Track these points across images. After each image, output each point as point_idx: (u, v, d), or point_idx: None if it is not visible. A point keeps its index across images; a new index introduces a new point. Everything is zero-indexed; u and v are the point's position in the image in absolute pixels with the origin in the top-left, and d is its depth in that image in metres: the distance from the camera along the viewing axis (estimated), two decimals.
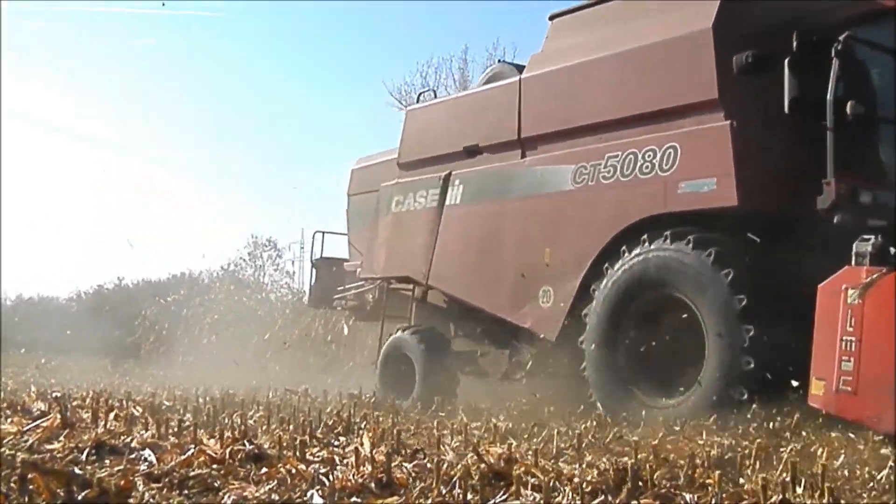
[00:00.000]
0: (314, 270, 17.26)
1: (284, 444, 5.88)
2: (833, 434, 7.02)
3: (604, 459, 5.82)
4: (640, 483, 4.75)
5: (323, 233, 17.48)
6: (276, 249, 47.33)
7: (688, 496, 4.39)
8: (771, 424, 7.48)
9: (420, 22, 63.42)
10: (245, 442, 5.83)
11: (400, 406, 10.21)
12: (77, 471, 4.60)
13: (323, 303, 17.56)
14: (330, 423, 7.87)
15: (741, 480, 5.10)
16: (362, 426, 7.52)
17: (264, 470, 5.15)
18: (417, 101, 13.88)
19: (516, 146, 11.05)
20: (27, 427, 6.83)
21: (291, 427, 7.24)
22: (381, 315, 13.96)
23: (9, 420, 7.84)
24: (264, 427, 7.49)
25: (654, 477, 4.94)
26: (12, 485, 4.52)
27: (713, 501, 4.20)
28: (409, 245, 12.37)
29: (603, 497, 4.33)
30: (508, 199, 10.95)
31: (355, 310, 16.22)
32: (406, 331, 12.10)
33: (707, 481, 4.91)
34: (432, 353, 11.56)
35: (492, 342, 11.99)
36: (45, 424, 7.02)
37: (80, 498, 3.87)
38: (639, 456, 5.65)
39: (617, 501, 4.17)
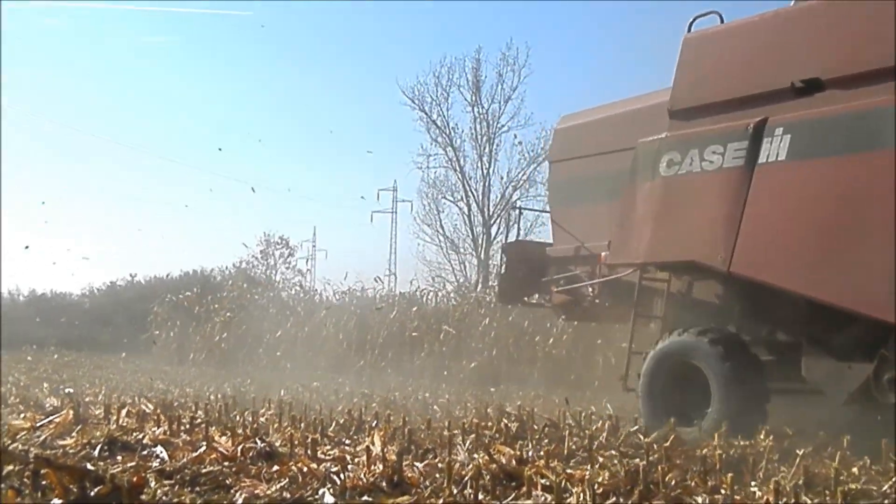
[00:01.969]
0: (503, 257, 13.89)
1: (296, 443, 5.89)
2: (846, 437, 6.99)
3: (615, 461, 5.81)
4: (652, 485, 4.74)
5: (520, 209, 14.42)
6: (289, 247, 47.54)
7: (699, 499, 4.38)
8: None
9: (433, 22, 63.41)
10: (256, 440, 5.84)
11: (684, 433, 7.74)
12: (90, 467, 4.61)
13: (515, 298, 14.25)
14: (341, 421, 7.88)
15: (753, 483, 5.09)
16: (373, 425, 7.52)
17: (276, 468, 5.17)
18: (689, 31, 9.84)
19: (889, 76, 7.98)
20: (40, 423, 6.86)
21: (303, 425, 7.25)
22: (623, 314, 11.08)
23: (21, 415, 7.88)
24: (276, 425, 7.50)
25: (666, 479, 4.94)
26: (25, 480, 4.54)
27: None
28: (693, 220, 9.35)
29: (614, 499, 4.32)
30: (881, 150, 7.88)
31: (565, 307, 12.89)
32: (692, 333, 9.13)
33: (719, 484, 4.92)
34: (737, 362, 8.65)
35: (825, 350, 8.89)
36: (57, 420, 7.04)
37: (92, 494, 3.88)
38: (650, 458, 5.64)
39: (629, 503, 4.15)
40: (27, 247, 58.53)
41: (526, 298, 13.85)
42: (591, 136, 11.86)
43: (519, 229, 14.03)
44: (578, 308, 12.38)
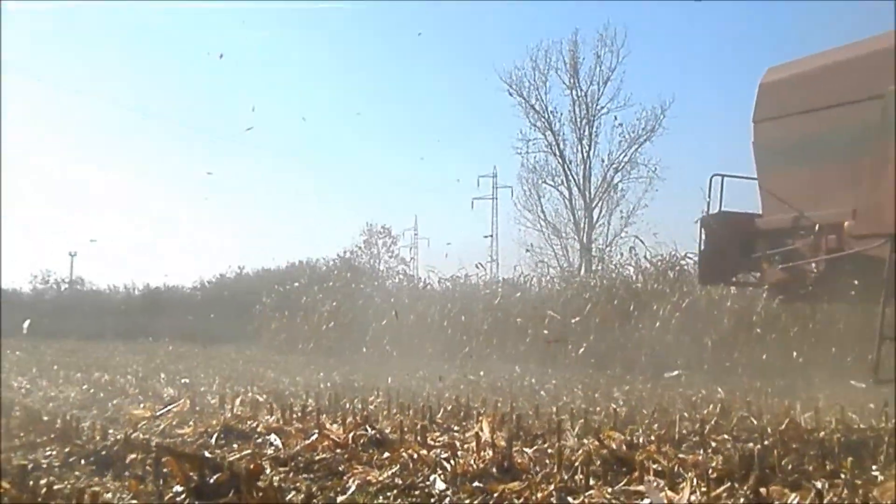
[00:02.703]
0: (702, 231, 11.99)
1: (405, 429, 5.95)
2: None
3: (728, 446, 5.71)
4: (768, 470, 4.64)
5: (723, 176, 12.16)
6: (391, 236, 48.05)
7: (818, 484, 4.26)
8: None
9: (529, 6, 62.94)
10: (367, 427, 5.92)
11: None
12: (207, 454, 4.76)
13: (719, 277, 12.72)
14: (449, 408, 7.92)
15: (874, 468, 4.94)
16: (481, 411, 7.53)
17: (386, 454, 5.24)
18: None
19: None
20: (159, 412, 7.10)
21: (411, 412, 7.32)
22: (858, 293, 9.82)
23: (141, 405, 8.17)
24: (385, 412, 7.59)
25: (783, 463, 4.83)
26: (147, 468, 4.71)
27: (845, 490, 4.06)
28: None
29: (729, 484, 4.23)
30: None
31: (783, 287, 11.29)
32: None
33: (838, 468, 4.78)
34: None
35: None
36: (175, 409, 7.29)
37: (211, 481, 3.99)
38: (765, 442, 5.52)
39: (744, 488, 4.07)
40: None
41: (732, 278, 12.41)
42: (811, 87, 10.34)
43: (722, 198, 11.95)
44: (800, 287, 10.92)
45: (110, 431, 5.97)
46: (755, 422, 7.09)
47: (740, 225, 11.62)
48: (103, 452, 5.11)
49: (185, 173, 67.99)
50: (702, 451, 5.43)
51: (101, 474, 4.76)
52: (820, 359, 13.99)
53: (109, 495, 4.13)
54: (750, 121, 11.28)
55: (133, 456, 4.99)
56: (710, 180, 11.79)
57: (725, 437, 6.24)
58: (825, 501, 3.51)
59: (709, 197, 11.72)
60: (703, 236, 11.87)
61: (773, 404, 9.14)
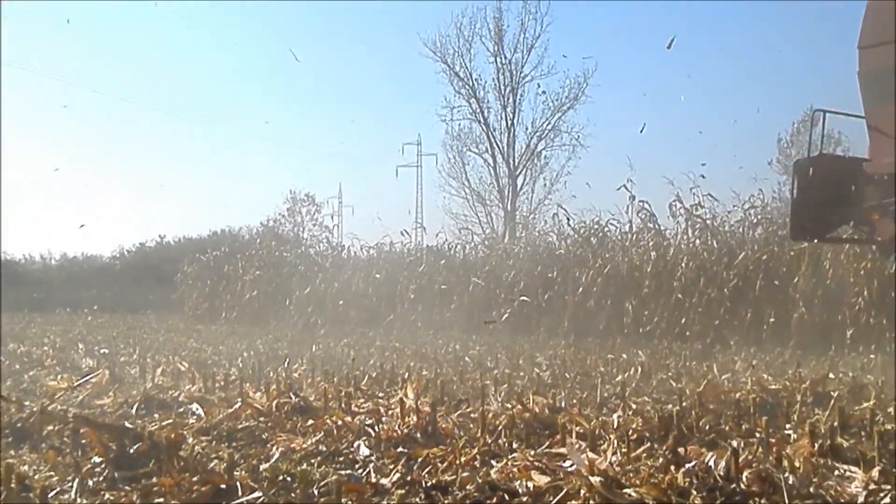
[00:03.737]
0: (795, 179, 10.37)
1: (330, 397, 5.94)
2: (881, 378, 6.95)
3: (648, 408, 5.81)
4: (686, 430, 4.74)
5: (824, 112, 10.35)
6: (315, 204, 47.69)
7: (734, 443, 4.36)
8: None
9: None
10: (291, 395, 5.89)
11: None
12: (128, 425, 4.68)
13: (816, 232, 10.67)
14: (374, 375, 7.92)
15: (788, 426, 5.07)
16: (406, 378, 7.55)
17: (310, 422, 5.22)
18: None
19: None
20: (77, 383, 6.95)
21: (336, 380, 7.30)
22: None
23: (59, 377, 7.99)
24: (309, 380, 7.56)
25: (700, 424, 4.93)
26: (65, 439, 4.62)
27: (760, 448, 4.17)
28: None
29: (648, 444, 4.31)
30: None
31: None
32: None
33: (753, 427, 4.91)
34: None
35: None
36: (94, 380, 7.15)
37: (131, 451, 3.93)
38: (684, 403, 5.63)
39: (663, 448, 4.15)
40: (83, 225, 59.08)
41: (832, 232, 10.78)
42: None
43: (822, 140, 10.36)
44: None
45: (26, 403, 5.83)
46: (674, 384, 7.24)
47: (844, 170, 10.16)
48: (19, 425, 5.00)
49: (104, 141, 66.46)
50: (623, 413, 5.52)
51: (16, 447, 4.66)
52: (736, 323, 14.39)
53: (26, 468, 4.03)
54: (856, 48, 9.73)
55: (50, 427, 4.89)
56: (812, 117, 10.34)
57: (646, 399, 6.37)
58: (741, 459, 3.59)
59: (810, 136, 10.24)
60: (797, 183, 10.28)
61: (691, 367, 9.34)
